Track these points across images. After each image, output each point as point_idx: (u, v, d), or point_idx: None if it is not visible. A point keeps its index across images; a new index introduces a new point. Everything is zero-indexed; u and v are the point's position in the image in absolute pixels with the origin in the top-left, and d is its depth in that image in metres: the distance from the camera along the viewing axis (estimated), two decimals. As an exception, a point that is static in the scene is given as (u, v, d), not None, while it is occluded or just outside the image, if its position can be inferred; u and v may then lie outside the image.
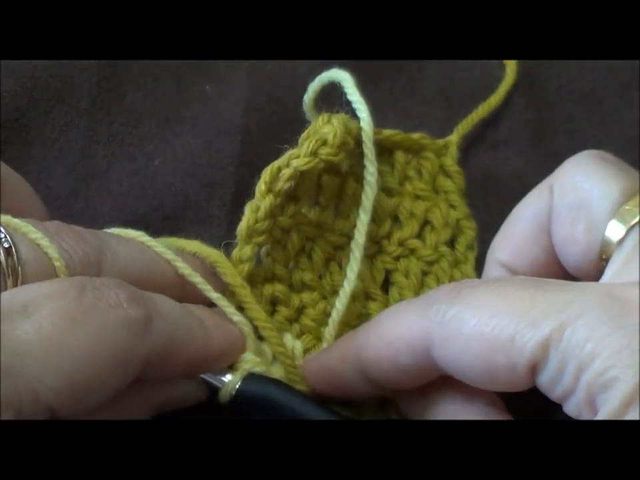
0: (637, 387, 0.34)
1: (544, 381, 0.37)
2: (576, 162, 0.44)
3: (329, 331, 0.49)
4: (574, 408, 0.37)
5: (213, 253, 0.47)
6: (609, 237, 0.40)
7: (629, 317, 0.35)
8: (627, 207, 0.40)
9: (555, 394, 0.37)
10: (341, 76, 0.51)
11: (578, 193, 0.42)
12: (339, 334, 0.48)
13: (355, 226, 0.51)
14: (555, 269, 0.44)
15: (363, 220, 0.50)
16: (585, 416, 0.36)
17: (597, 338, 0.35)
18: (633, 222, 0.40)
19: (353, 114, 0.51)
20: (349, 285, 0.49)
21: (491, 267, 0.48)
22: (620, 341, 0.34)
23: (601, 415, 0.35)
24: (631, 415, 0.34)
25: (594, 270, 0.41)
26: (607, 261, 0.40)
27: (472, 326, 0.38)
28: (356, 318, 0.50)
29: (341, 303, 0.49)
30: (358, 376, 0.44)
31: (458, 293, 0.40)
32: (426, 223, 0.53)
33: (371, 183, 0.50)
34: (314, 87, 0.52)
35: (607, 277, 0.40)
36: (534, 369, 0.37)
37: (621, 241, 0.40)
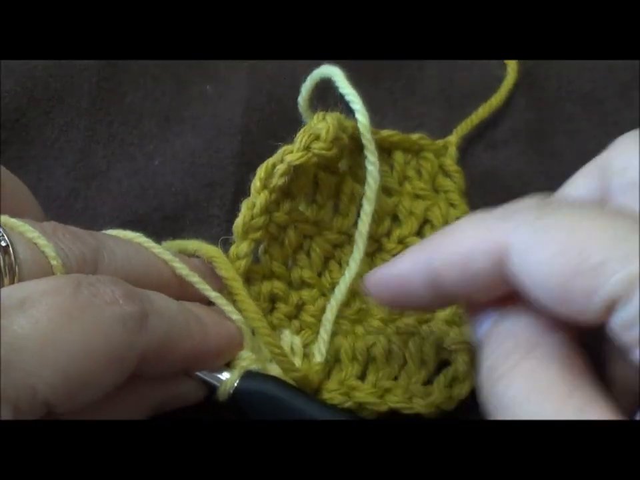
0: None
1: (618, 320, 0.35)
2: (629, 142, 0.42)
3: (327, 317, 0.49)
4: None
5: (210, 249, 0.47)
6: None
7: None
8: None
9: (624, 338, 0.35)
10: (331, 71, 0.51)
11: (634, 171, 0.40)
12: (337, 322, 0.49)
13: (354, 224, 0.52)
14: None
15: (366, 210, 0.50)
16: None
17: None
18: None
19: (348, 111, 0.51)
20: (349, 272, 0.50)
21: None
22: None
23: None
24: None
25: None
26: None
27: (559, 242, 0.36)
28: (355, 313, 0.50)
29: (339, 290, 0.49)
30: (426, 284, 0.41)
31: (547, 206, 0.38)
32: (426, 221, 0.53)
33: (373, 172, 0.50)
34: (307, 86, 0.53)
35: None
36: (612, 304, 0.35)
37: None
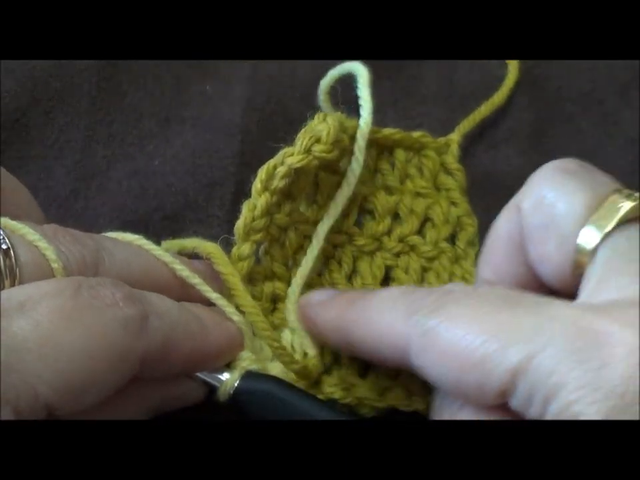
0: None
1: (515, 404, 0.37)
2: (540, 178, 0.43)
3: (290, 318, 0.49)
4: None
5: (208, 245, 0.48)
6: (582, 246, 0.40)
7: (595, 351, 0.35)
8: (596, 217, 0.40)
9: (527, 416, 0.37)
10: (358, 69, 0.52)
11: (544, 211, 0.42)
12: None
13: (354, 224, 0.52)
14: (539, 283, 0.44)
15: (329, 214, 0.51)
16: None
17: (562, 372, 0.35)
18: (606, 230, 0.39)
19: (350, 111, 0.51)
20: (300, 274, 0.50)
21: (479, 284, 0.48)
22: (583, 376, 0.34)
23: None
24: None
25: (572, 283, 0.41)
26: (582, 273, 0.40)
27: (446, 342, 0.38)
28: None
29: (292, 290, 0.50)
30: (347, 346, 0.45)
31: (440, 305, 0.40)
32: (426, 220, 0.53)
33: (350, 180, 0.51)
34: (331, 76, 0.54)
35: (583, 294, 0.40)
36: (504, 393, 0.37)
37: (593, 253, 0.40)
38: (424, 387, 0.48)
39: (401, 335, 0.41)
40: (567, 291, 0.42)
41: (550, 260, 0.42)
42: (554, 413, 0.35)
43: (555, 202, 0.41)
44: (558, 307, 0.38)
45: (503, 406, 0.38)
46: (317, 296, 0.49)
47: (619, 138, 0.58)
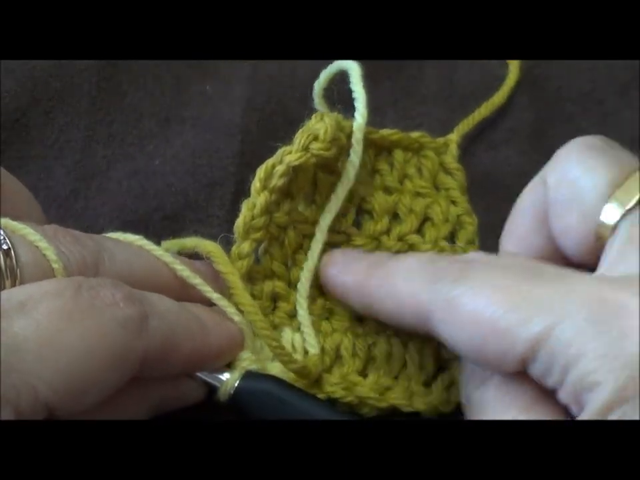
0: (617, 392, 0.35)
1: (534, 372, 0.38)
2: (566, 153, 0.44)
3: (300, 313, 0.50)
4: (563, 400, 0.38)
5: (208, 244, 0.48)
6: (603, 221, 0.41)
7: (614, 322, 0.36)
8: (619, 193, 0.41)
9: (545, 384, 0.38)
10: (349, 66, 0.52)
11: (568, 185, 0.43)
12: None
13: (352, 224, 0.52)
14: (560, 256, 0.45)
15: (331, 207, 0.51)
16: (573, 409, 0.37)
17: (581, 342, 0.36)
18: (628, 206, 0.40)
19: (347, 111, 0.51)
20: (307, 267, 0.50)
21: (502, 255, 0.49)
22: (603, 346, 0.35)
23: (585, 413, 0.36)
24: (613, 418, 0.35)
25: (592, 256, 0.42)
26: (602, 247, 0.41)
27: (469, 311, 0.39)
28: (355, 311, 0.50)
29: (302, 285, 0.50)
30: (366, 310, 0.47)
31: (463, 273, 0.41)
32: (426, 219, 0.53)
33: (350, 173, 0.51)
34: (325, 75, 0.54)
35: (603, 267, 0.41)
36: (524, 361, 0.38)
37: (615, 228, 0.40)
38: (424, 389, 0.48)
39: (424, 302, 0.42)
40: (587, 264, 0.43)
41: (572, 233, 0.43)
42: (572, 381, 0.36)
43: (579, 177, 0.42)
44: (578, 278, 0.39)
45: (524, 373, 0.38)
46: (339, 257, 0.50)
47: (619, 138, 0.58)
